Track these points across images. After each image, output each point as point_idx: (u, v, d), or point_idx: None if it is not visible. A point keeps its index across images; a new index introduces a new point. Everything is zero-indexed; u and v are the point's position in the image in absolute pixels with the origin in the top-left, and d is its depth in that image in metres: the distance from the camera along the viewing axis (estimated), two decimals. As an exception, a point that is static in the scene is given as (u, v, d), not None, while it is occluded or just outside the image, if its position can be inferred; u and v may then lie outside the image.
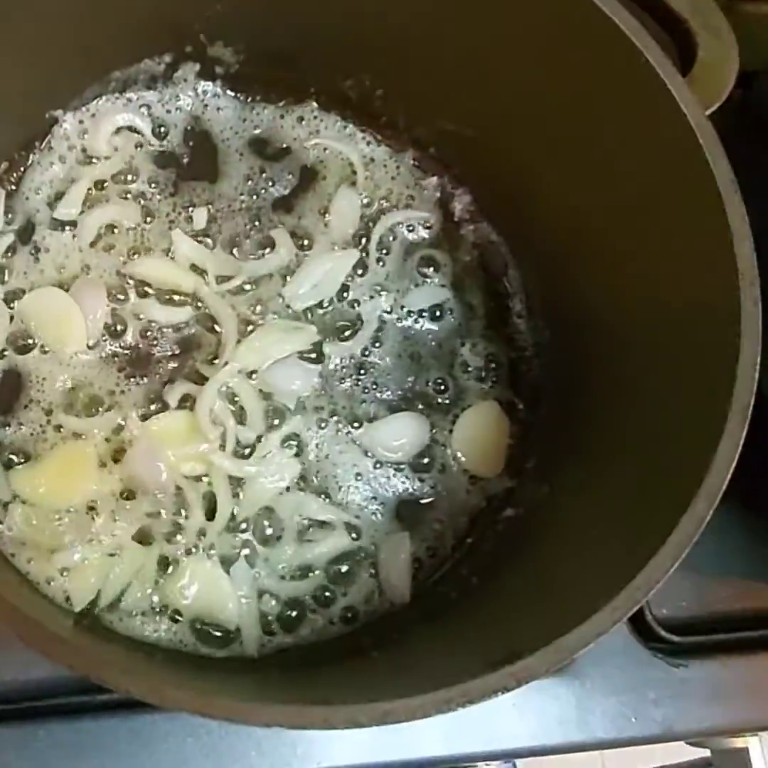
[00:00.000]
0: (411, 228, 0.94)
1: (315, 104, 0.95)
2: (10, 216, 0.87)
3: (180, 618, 0.79)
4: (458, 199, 0.95)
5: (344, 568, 0.84)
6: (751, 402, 0.64)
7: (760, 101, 0.97)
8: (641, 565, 0.61)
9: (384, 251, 0.92)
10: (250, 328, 0.87)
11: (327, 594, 0.82)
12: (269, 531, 0.83)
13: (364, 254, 0.92)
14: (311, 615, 0.81)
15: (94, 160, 0.90)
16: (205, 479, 0.82)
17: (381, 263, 0.92)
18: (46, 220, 0.88)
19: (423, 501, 0.87)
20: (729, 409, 0.64)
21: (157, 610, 0.79)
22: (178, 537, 0.81)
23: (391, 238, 0.93)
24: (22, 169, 0.89)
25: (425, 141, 0.95)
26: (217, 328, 0.87)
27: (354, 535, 0.84)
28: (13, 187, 0.88)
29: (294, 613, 0.81)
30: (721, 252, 0.67)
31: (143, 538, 0.80)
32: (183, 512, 0.81)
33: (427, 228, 0.94)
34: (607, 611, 0.60)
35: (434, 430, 0.88)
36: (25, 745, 0.78)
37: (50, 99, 0.88)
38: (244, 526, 0.83)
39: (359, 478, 0.86)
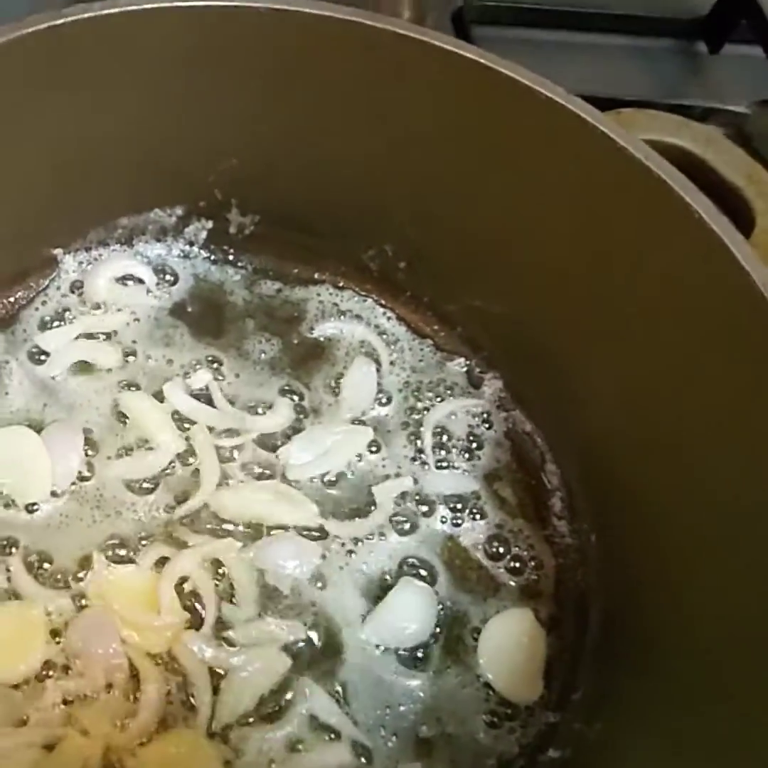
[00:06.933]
0: (453, 416, 0.88)
1: (328, 282, 0.93)
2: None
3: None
4: (487, 383, 0.90)
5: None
6: None
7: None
8: None
9: (408, 433, 0.87)
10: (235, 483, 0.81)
11: None
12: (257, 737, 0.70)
13: (374, 431, 0.86)
14: None
15: (90, 306, 0.87)
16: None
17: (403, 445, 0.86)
18: (31, 357, 0.85)
19: (438, 731, 0.74)
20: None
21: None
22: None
23: (414, 418, 0.87)
24: (11, 300, 0.87)
25: (452, 319, 0.91)
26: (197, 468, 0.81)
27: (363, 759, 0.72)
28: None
29: None
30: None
31: (88, 726, 0.68)
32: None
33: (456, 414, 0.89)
34: None
35: (458, 643, 0.77)
36: None
37: (48, 237, 0.86)
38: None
39: (365, 682, 0.74)
